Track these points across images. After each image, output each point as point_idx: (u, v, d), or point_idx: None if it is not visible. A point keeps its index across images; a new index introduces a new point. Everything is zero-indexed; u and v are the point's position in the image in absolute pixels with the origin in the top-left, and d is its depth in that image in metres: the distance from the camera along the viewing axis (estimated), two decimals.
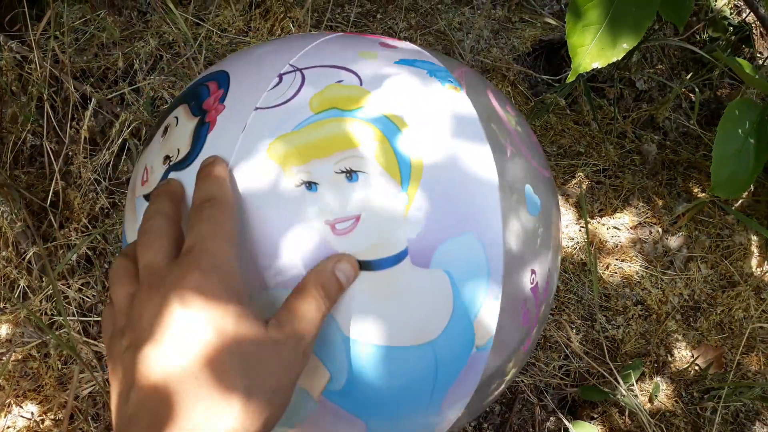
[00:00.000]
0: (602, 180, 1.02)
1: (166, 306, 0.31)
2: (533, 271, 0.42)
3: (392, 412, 0.40)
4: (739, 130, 0.76)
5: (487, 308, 0.39)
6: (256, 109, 0.39)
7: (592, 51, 0.68)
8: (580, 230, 0.96)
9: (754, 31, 1.16)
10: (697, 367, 0.86)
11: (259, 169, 0.37)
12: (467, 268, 0.38)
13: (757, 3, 0.87)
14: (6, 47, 0.81)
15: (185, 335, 0.30)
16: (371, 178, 0.37)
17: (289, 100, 0.39)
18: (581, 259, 0.93)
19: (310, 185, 0.37)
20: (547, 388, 0.82)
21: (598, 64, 0.69)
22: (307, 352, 0.34)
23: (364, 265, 0.36)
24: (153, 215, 0.36)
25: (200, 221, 0.34)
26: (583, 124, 1.08)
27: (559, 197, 0.98)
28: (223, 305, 0.31)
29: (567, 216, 0.97)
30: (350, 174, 0.37)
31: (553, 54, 1.15)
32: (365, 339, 0.37)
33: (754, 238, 0.98)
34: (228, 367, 0.30)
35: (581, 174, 1.01)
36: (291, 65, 0.42)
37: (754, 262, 0.96)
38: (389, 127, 0.39)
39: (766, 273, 0.95)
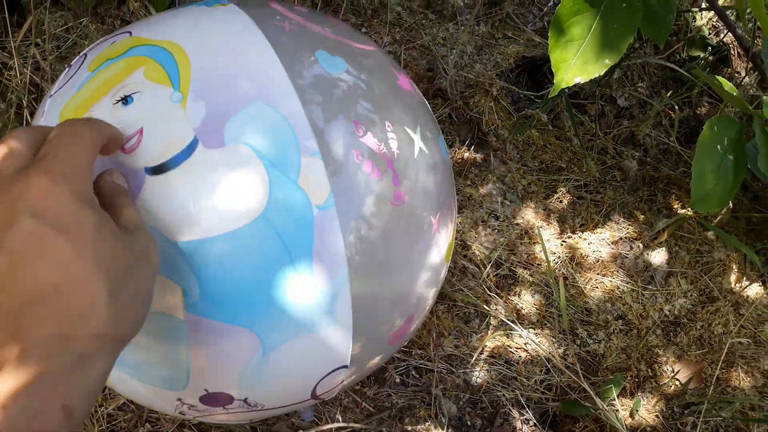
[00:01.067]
0: (583, 195, 1.03)
1: (15, 218, 0.29)
2: (357, 123, 0.43)
3: (266, 306, 0.39)
4: (718, 147, 0.77)
5: (308, 166, 0.39)
6: (50, 96, 0.45)
7: (575, 66, 0.69)
8: (561, 245, 0.96)
9: (732, 51, 1.18)
10: (677, 382, 0.86)
11: None
12: (266, 133, 0.39)
13: (734, 23, 0.89)
14: None
15: (40, 248, 0.29)
16: (145, 94, 0.40)
17: (72, 76, 0.44)
18: (562, 274, 0.93)
19: None
20: (529, 402, 0.82)
21: (580, 79, 0.69)
22: (153, 246, 0.35)
23: (163, 168, 0.38)
24: (29, 129, 0.35)
25: (59, 133, 0.33)
26: (565, 140, 1.09)
27: (541, 212, 0.99)
28: (77, 212, 0.30)
29: (549, 231, 0.97)
30: (125, 99, 0.40)
31: (536, 70, 1.16)
32: (193, 236, 0.38)
33: (734, 254, 0.99)
34: (89, 272, 0.30)
35: (563, 189, 1.02)
36: (82, 54, 0.48)
37: (733, 277, 0.97)
38: (154, 50, 0.43)
39: (744, 289, 0.96)
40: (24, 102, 0.82)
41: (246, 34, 0.43)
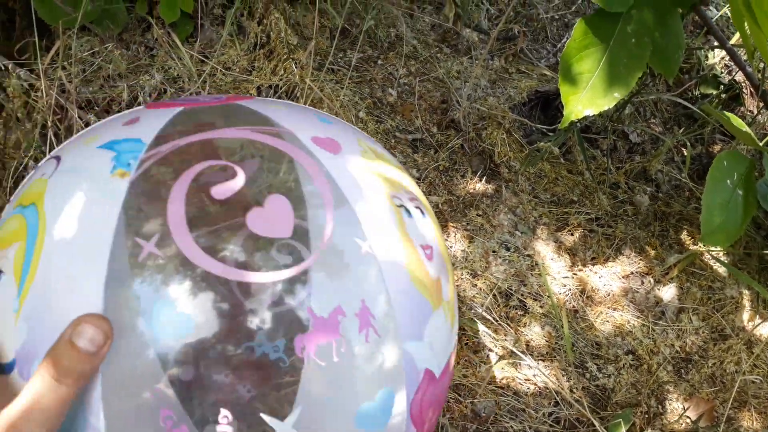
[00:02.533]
0: (595, 229, 1.03)
1: None
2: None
3: None
4: (728, 181, 0.78)
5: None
6: None
7: (584, 99, 0.70)
8: (572, 277, 0.96)
9: (744, 89, 1.19)
10: (688, 420, 0.85)
11: None
12: None
13: (744, 62, 0.90)
14: (14, 74, 0.83)
15: None
16: (3, 280, 0.36)
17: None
18: (573, 307, 0.93)
19: None
20: None
21: (589, 112, 0.71)
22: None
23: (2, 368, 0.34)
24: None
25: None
26: (577, 174, 1.09)
27: (552, 244, 0.99)
28: None
29: (559, 263, 0.97)
30: None
31: (549, 105, 1.18)
32: None
33: (746, 291, 0.98)
34: None
35: (574, 222, 1.02)
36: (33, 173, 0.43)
37: (745, 315, 0.96)
38: (33, 220, 0.37)
39: (757, 327, 0.95)
40: (49, 122, 0.84)
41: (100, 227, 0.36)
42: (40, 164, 0.43)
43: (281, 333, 0.35)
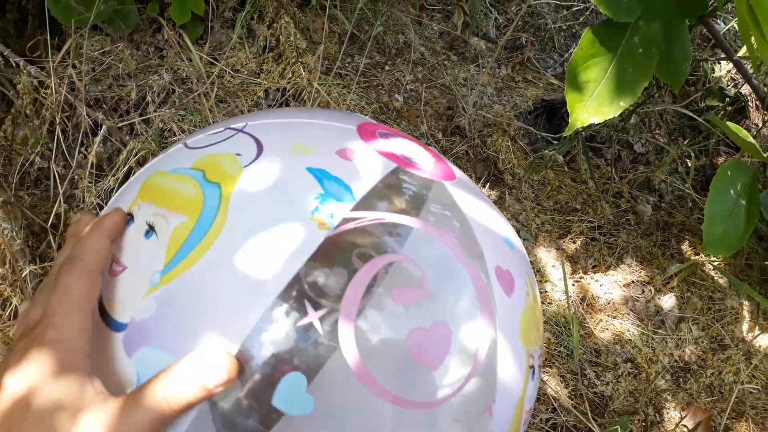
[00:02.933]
0: (597, 237, 1.03)
1: (4, 377, 0.30)
2: None
3: None
4: (731, 191, 0.78)
5: None
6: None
7: (590, 107, 0.71)
8: (573, 285, 0.96)
9: (750, 102, 1.20)
10: (685, 429, 0.85)
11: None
12: None
13: (750, 74, 0.90)
14: (25, 71, 0.84)
15: (13, 409, 0.30)
16: (159, 236, 0.35)
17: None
18: (573, 314, 0.93)
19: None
20: None
21: (595, 120, 0.71)
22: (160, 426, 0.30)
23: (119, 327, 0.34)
24: (70, 261, 0.34)
25: (54, 288, 0.33)
26: (580, 182, 1.10)
27: (554, 252, 1.00)
28: (54, 380, 0.30)
29: (560, 270, 0.98)
30: (150, 229, 0.35)
31: (554, 113, 1.18)
32: None
33: (746, 302, 0.98)
34: None
35: (576, 230, 1.03)
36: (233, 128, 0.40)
37: (745, 326, 0.96)
38: (213, 202, 0.35)
39: (756, 338, 0.95)
40: (57, 120, 0.85)
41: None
42: (225, 125, 0.40)
43: None
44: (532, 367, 0.38)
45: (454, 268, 0.35)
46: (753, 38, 0.69)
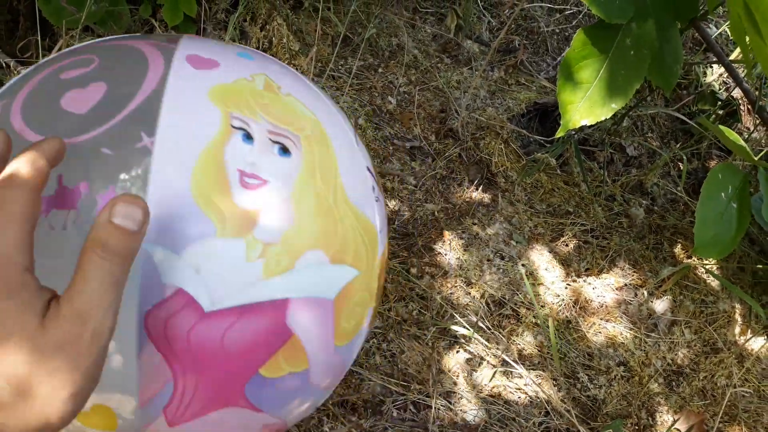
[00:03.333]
0: (590, 240, 1.03)
1: None
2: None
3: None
4: (722, 194, 0.78)
5: None
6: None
7: (582, 108, 0.71)
8: (566, 288, 0.96)
9: (741, 106, 1.20)
10: None
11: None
12: None
13: (742, 78, 0.91)
14: (15, 72, 0.83)
15: None
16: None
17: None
18: (566, 317, 0.93)
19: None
20: None
21: (587, 122, 0.71)
22: (100, 329, 0.31)
23: None
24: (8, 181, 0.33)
25: None
26: (573, 185, 1.10)
27: (547, 255, 0.99)
28: None
29: (554, 273, 0.98)
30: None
31: (547, 116, 1.19)
32: None
33: (738, 306, 0.98)
34: None
35: (569, 233, 1.03)
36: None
37: (737, 330, 0.96)
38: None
39: (749, 341, 0.95)
40: None
41: None
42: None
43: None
44: (242, 129, 0.44)
45: (133, 53, 0.47)
46: (748, 39, 0.69)
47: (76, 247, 0.36)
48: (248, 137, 0.44)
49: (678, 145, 1.17)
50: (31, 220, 0.32)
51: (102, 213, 0.32)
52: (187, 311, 0.41)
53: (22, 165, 0.33)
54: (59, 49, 0.85)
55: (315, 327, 0.47)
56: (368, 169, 0.54)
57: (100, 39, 0.53)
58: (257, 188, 0.43)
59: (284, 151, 0.45)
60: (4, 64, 0.84)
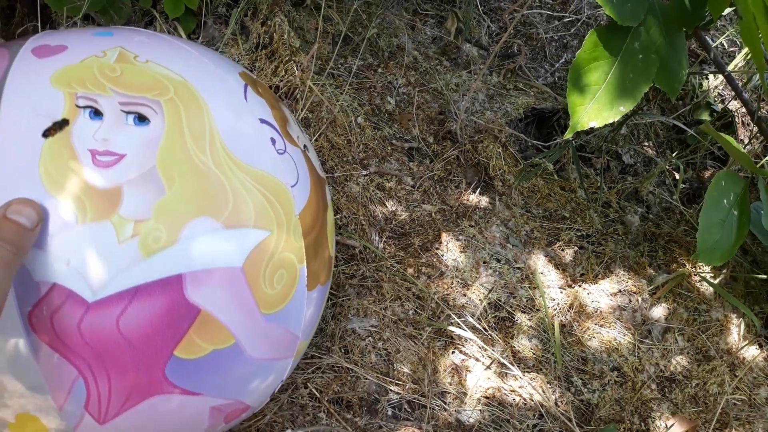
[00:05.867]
0: (585, 246, 1.03)
1: None
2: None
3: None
4: (725, 201, 0.79)
5: None
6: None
7: (590, 110, 0.71)
8: (561, 292, 0.96)
9: (736, 118, 1.21)
10: None
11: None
12: None
13: (740, 88, 0.91)
14: None
15: None
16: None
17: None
18: (560, 321, 0.93)
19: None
20: None
21: (595, 124, 0.71)
22: None
23: None
24: None
25: None
26: (569, 191, 1.10)
27: (543, 259, 1.00)
28: None
29: (550, 276, 0.98)
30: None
31: (545, 122, 1.19)
32: None
33: (732, 315, 0.99)
34: None
35: (565, 237, 1.03)
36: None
37: (730, 338, 0.97)
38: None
39: (741, 350, 0.96)
40: None
41: None
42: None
43: None
44: (89, 107, 0.43)
45: None
46: (763, 41, 0.69)
47: None
48: (96, 113, 0.43)
49: (674, 155, 1.17)
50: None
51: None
52: (69, 305, 0.40)
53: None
54: None
55: (228, 299, 0.44)
56: (264, 121, 0.51)
57: None
58: (114, 165, 0.41)
59: (141, 119, 0.44)
60: None
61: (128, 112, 0.43)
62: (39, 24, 0.87)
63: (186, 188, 0.43)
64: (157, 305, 0.41)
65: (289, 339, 0.51)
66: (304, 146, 0.56)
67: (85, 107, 0.43)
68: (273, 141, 0.50)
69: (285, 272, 0.48)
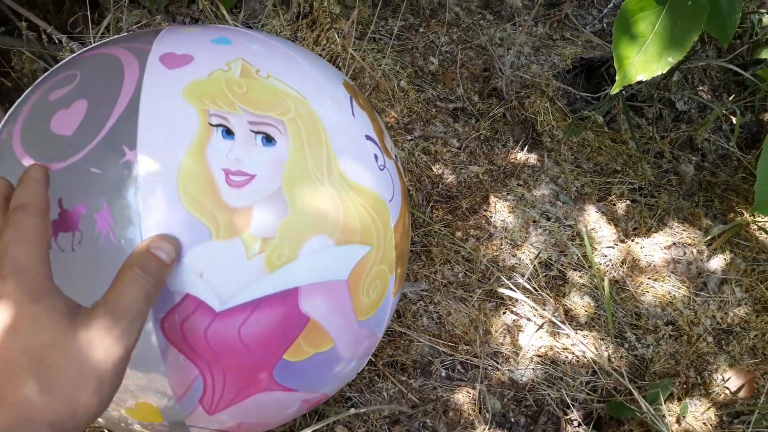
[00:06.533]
0: (638, 199, 1.02)
1: None
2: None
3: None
4: None
5: None
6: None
7: (638, 63, 0.69)
8: (614, 247, 0.96)
9: None
10: (727, 391, 0.85)
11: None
12: None
13: None
14: (67, 48, 0.85)
15: None
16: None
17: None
18: (613, 277, 0.93)
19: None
20: (574, 402, 0.82)
21: (642, 77, 0.69)
22: (129, 329, 0.35)
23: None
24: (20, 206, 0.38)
25: (7, 228, 0.36)
26: (621, 143, 1.08)
27: (594, 215, 0.99)
28: (17, 307, 0.33)
29: (601, 233, 0.97)
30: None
31: (593, 72, 1.16)
32: None
33: None
34: (17, 368, 0.32)
35: (617, 192, 1.01)
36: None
37: None
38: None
39: None
40: None
41: None
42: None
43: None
44: (221, 126, 0.44)
45: (110, 63, 0.47)
46: None
47: (85, 267, 0.40)
48: (228, 132, 0.44)
49: (730, 98, 1.13)
50: (46, 238, 0.37)
51: (143, 242, 0.38)
52: (199, 313, 0.43)
53: (27, 195, 0.38)
54: (107, 26, 0.87)
55: (332, 309, 0.47)
56: (368, 138, 0.53)
57: (83, 49, 0.54)
58: (245, 185, 0.43)
59: (268, 140, 0.45)
60: (56, 41, 0.86)
61: (257, 132, 0.45)
62: (88, 11, 0.90)
63: (306, 208, 0.45)
64: (275, 315, 0.45)
65: (373, 340, 0.56)
66: (395, 156, 0.58)
67: (217, 125, 0.44)
68: (376, 157, 0.52)
69: (379, 283, 0.51)
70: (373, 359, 0.81)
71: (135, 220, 0.41)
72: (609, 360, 0.86)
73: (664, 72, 0.70)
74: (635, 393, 0.79)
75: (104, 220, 0.41)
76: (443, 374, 0.82)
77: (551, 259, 0.93)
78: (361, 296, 0.49)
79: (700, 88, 1.16)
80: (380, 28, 1.13)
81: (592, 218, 0.98)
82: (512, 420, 0.81)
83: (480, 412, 0.80)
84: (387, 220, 0.51)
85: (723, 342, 0.90)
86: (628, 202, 1.01)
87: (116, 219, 0.41)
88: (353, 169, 0.49)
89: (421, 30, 1.17)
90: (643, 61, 0.70)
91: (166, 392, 0.45)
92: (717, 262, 0.96)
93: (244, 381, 0.46)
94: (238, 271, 0.43)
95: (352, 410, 0.72)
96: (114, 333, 0.35)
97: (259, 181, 0.44)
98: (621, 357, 0.87)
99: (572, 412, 0.81)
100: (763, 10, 1.16)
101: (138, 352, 0.39)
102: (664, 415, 0.81)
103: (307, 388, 0.51)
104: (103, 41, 0.53)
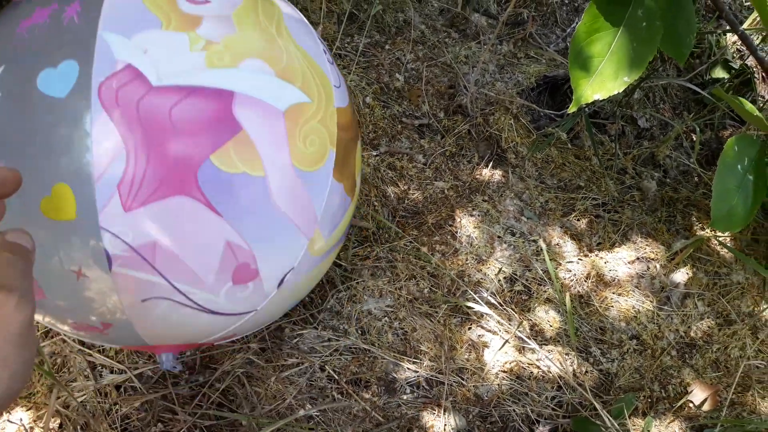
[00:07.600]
0: (601, 214, 1.03)
1: None
2: None
3: None
4: (739, 166, 0.77)
5: None
6: None
7: (594, 83, 0.70)
8: (578, 263, 0.96)
9: (756, 74, 1.18)
10: (691, 404, 0.85)
11: None
12: None
13: (756, 46, 0.89)
14: None
15: None
16: None
17: None
18: (578, 292, 0.93)
19: None
20: (539, 418, 0.82)
21: (599, 96, 0.70)
22: (22, 302, 0.36)
23: None
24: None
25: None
26: (584, 159, 1.09)
27: (559, 230, 0.99)
28: None
29: (566, 247, 0.97)
30: None
31: (557, 90, 1.17)
32: None
33: (752, 277, 0.98)
34: None
35: (581, 207, 1.02)
36: None
37: (751, 301, 0.96)
38: None
39: (763, 312, 0.95)
40: None
41: None
42: None
43: None
44: None
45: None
46: None
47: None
48: None
49: (691, 116, 1.15)
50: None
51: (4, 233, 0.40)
52: (136, 83, 0.46)
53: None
54: None
55: (266, 130, 0.49)
56: (321, 43, 0.59)
57: None
58: (201, 3, 0.50)
59: None
60: None
61: None
62: None
63: (252, 36, 0.51)
64: (207, 109, 0.47)
65: (309, 214, 0.54)
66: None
67: None
68: (324, 51, 0.58)
69: (317, 139, 0.53)
70: (336, 377, 0.79)
71: (97, 10, 0.48)
72: (574, 375, 0.85)
73: (620, 91, 0.71)
74: (599, 408, 0.79)
75: (73, 9, 0.47)
76: (408, 391, 0.81)
77: (516, 274, 0.93)
78: (297, 139, 0.51)
79: (661, 105, 1.18)
80: (345, 45, 1.13)
81: (557, 233, 0.99)
82: None
83: (445, 430, 0.78)
84: (330, 96, 0.55)
85: (686, 355, 0.90)
86: (592, 217, 1.02)
87: (83, 6, 0.48)
88: (301, 40, 0.54)
89: (386, 47, 1.17)
90: (600, 81, 0.71)
91: (88, 166, 0.45)
92: (680, 277, 0.97)
93: (166, 172, 0.46)
94: (179, 58, 0.47)
95: None
96: (9, 307, 0.35)
97: (214, 5, 0.51)
98: (586, 372, 0.86)
99: (538, 427, 0.81)
100: (719, 31, 1.19)
101: (65, 128, 0.44)
102: (629, 430, 0.80)
103: (233, 220, 0.49)
104: None
